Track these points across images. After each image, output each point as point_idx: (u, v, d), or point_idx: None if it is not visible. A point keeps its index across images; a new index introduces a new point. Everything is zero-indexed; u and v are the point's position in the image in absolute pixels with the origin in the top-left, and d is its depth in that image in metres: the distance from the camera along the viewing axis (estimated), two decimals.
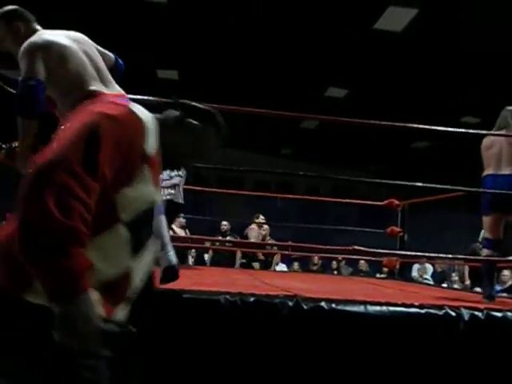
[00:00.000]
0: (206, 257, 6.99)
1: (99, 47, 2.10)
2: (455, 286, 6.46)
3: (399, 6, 6.14)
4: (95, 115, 1.03)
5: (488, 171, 2.89)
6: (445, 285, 6.45)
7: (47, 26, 2.05)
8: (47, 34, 1.93)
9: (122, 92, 2.01)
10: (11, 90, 2.15)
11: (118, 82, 2.05)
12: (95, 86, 1.88)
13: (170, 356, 1.81)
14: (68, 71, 1.87)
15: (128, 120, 1.06)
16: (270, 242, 5.87)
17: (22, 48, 1.86)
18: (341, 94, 9.21)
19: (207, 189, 5.66)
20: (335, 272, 7.40)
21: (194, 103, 1.28)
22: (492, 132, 2.83)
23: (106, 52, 2.14)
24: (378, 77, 8.26)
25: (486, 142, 2.91)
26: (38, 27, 2.01)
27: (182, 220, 5.82)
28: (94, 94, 1.85)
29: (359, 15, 6.42)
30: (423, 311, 1.93)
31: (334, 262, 7.49)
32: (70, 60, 1.88)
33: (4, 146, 2.01)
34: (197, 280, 2.87)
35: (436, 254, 3.00)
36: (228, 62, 8.05)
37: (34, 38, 1.88)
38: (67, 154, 0.96)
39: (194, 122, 1.23)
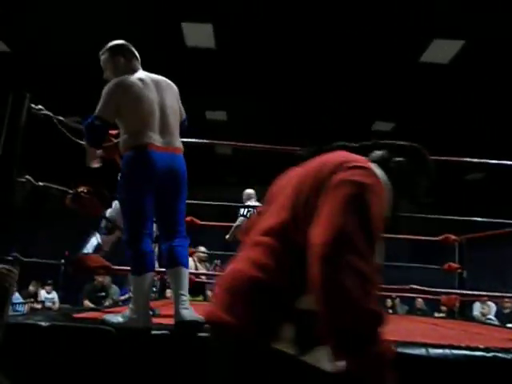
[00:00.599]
0: None
1: (179, 100, 2.26)
2: None
3: (444, 39, 6.11)
4: (355, 187, 0.97)
5: None
6: (510, 326, 6.03)
7: None
8: (135, 77, 2.10)
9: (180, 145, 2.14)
10: (77, 140, 2.32)
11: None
12: (150, 138, 2.02)
13: None
14: (137, 116, 2.03)
15: (378, 188, 1.00)
16: None
17: (107, 85, 2.08)
18: (388, 128, 9.14)
19: None
20: (390, 310, 7.12)
21: (397, 142, 1.25)
22: None
23: (182, 109, 2.31)
24: (426, 109, 8.16)
25: None
26: (138, 66, 2.20)
27: (201, 254, 5.89)
28: (145, 145, 1.99)
29: (404, 49, 6.44)
30: (490, 355, 1.82)
31: (389, 300, 7.21)
32: (142, 106, 2.05)
33: (70, 191, 2.15)
34: None
35: (501, 294, 2.83)
36: (275, 100, 8.25)
37: (119, 80, 2.08)
38: (349, 233, 0.91)
39: (401, 160, 1.20)
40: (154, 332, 1.90)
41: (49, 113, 2.14)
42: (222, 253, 6.02)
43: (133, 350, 1.84)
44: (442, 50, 6.35)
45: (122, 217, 2.13)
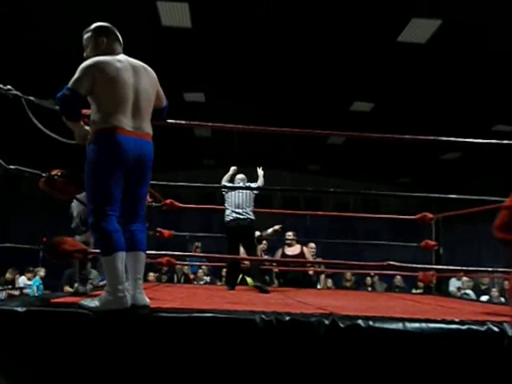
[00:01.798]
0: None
1: (159, 88, 2.24)
2: (495, 300, 6.22)
3: (422, 18, 6.11)
4: None
5: None
6: (484, 299, 6.23)
7: None
8: (114, 58, 2.08)
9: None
10: (38, 124, 2.25)
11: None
12: (120, 122, 1.98)
13: (203, 375, 1.81)
14: (110, 97, 2.00)
15: None
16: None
17: (85, 62, 2.05)
18: (367, 108, 9.17)
19: None
20: (369, 288, 7.26)
21: None
22: None
23: (163, 96, 2.29)
24: (405, 89, 8.20)
25: None
26: (120, 49, 2.18)
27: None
28: (115, 129, 1.94)
29: (383, 28, 6.43)
30: (464, 327, 1.87)
31: (369, 278, 7.35)
32: (117, 88, 2.02)
33: (44, 174, 2.09)
34: (231, 300, 2.88)
35: (474, 268, 2.91)
36: (254, 81, 8.17)
37: (98, 58, 2.05)
38: None
39: None
40: (131, 313, 1.90)
41: (18, 93, 2.07)
42: (203, 234, 6.00)
43: (111, 333, 1.83)
44: (419, 30, 6.35)
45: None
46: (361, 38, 6.66)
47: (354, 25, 6.35)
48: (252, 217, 4.44)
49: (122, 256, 1.98)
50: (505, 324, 1.89)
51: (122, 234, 2.04)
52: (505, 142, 2.71)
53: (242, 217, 4.39)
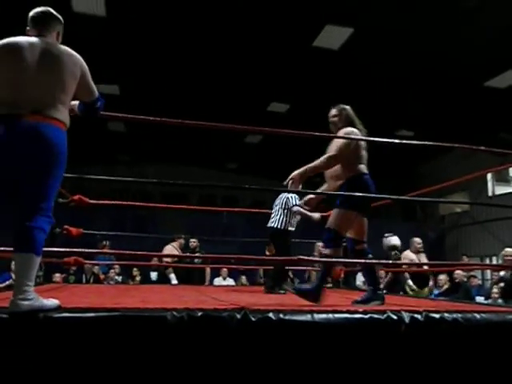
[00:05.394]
0: (153, 275, 6.99)
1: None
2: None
3: (336, 25, 6.41)
4: None
5: (364, 170, 2.99)
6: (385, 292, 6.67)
7: None
8: (14, 38, 2.00)
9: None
10: None
11: None
12: None
13: (115, 377, 1.74)
14: None
15: None
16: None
17: None
18: (283, 109, 9.41)
19: (152, 204, 5.53)
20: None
21: None
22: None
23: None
24: (318, 92, 8.53)
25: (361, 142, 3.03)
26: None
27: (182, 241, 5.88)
28: None
29: (299, 33, 6.64)
30: (367, 316, 1.99)
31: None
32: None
33: None
34: (143, 298, 2.80)
35: (375, 261, 3.12)
36: (171, 77, 8.01)
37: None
38: None
39: None
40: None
41: None
42: (115, 233, 5.76)
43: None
44: (333, 36, 6.65)
45: None
46: (278, 41, 6.82)
47: (272, 29, 6.49)
48: (272, 224, 4.52)
49: None
50: (402, 312, 2.04)
51: (18, 229, 1.79)
52: (405, 141, 2.92)
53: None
